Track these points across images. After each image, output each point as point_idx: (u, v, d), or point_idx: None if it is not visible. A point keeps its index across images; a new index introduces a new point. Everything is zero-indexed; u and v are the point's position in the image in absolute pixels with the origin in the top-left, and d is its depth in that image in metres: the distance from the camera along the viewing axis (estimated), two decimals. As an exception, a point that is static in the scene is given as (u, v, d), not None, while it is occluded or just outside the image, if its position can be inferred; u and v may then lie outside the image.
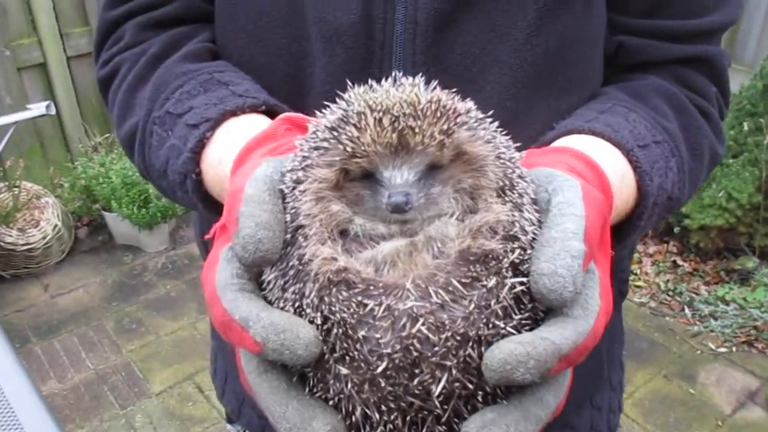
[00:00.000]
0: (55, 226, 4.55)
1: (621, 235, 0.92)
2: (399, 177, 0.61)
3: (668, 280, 4.29)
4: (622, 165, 0.87)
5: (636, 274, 4.38)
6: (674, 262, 4.40)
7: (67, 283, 4.54)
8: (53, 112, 4.78)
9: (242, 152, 0.78)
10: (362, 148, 0.61)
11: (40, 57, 4.82)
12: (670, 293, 4.23)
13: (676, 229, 4.34)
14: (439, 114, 0.62)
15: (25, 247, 4.40)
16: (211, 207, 0.92)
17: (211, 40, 1.08)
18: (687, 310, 4.09)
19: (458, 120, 0.63)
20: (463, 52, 0.94)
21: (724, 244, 4.21)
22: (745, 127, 3.90)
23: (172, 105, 0.94)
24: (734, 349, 3.82)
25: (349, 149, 0.62)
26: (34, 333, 4.09)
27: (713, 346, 3.84)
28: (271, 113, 0.90)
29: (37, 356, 3.91)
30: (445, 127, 0.62)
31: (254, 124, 0.87)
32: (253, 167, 0.67)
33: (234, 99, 0.91)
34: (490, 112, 0.69)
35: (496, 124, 0.68)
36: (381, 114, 0.61)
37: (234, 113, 0.89)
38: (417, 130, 0.61)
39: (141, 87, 1.02)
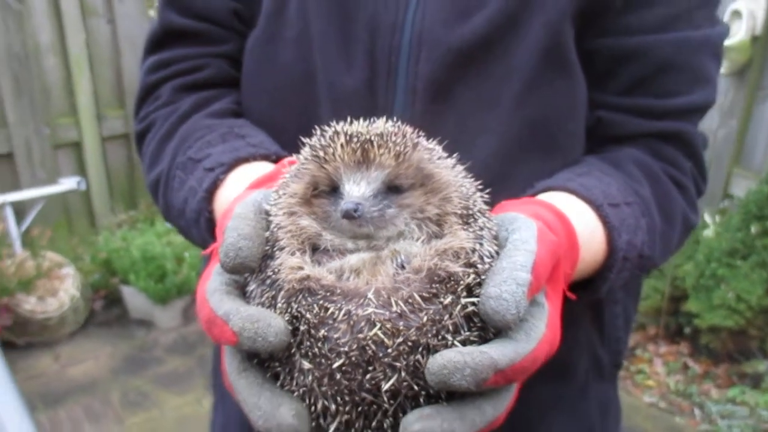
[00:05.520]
0: (73, 296, 4.64)
1: (593, 286, 0.99)
2: (356, 190, 0.70)
3: (678, 381, 4.23)
4: (593, 221, 0.96)
5: (646, 373, 4.32)
6: (685, 363, 4.34)
7: (79, 355, 4.59)
8: (83, 188, 5.01)
9: (245, 191, 0.88)
10: (330, 154, 0.71)
11: (77, 136, 5.09)
12: (681, 394, 4.15)
13: (687, 330, 4.31)
14: (401, 137, 0.72)
15: (42, 316, 4.48)
16: None
17: (237, 102, 1.22)
18: (697, 411, 4.00)
19: (417, 142, 0.73)
20: (455, 121, 1.05)
21: (735, 346, 4.16)
22: (752, 230, 3.96)
23: (193, 152, 1.07)
24: (745, 453, 3.70)
25: (319, 157, 0.72)
26: (42, 401, 4.10)
27: (724, 449, 3.73)
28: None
29: (41, 424, 3.90)
30: (402, 146, 0.72)
31: (262, 169, 0.98)
32: (246, 195, 0.79)
33: (248, 148, 1.03)
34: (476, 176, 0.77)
35: (461, 167, 0.78)
36: (350, 136, 0.72)
37: (246, 160, 1.01)
38: (377, 145, 0.71)
39: (169, 141, 1.16)
